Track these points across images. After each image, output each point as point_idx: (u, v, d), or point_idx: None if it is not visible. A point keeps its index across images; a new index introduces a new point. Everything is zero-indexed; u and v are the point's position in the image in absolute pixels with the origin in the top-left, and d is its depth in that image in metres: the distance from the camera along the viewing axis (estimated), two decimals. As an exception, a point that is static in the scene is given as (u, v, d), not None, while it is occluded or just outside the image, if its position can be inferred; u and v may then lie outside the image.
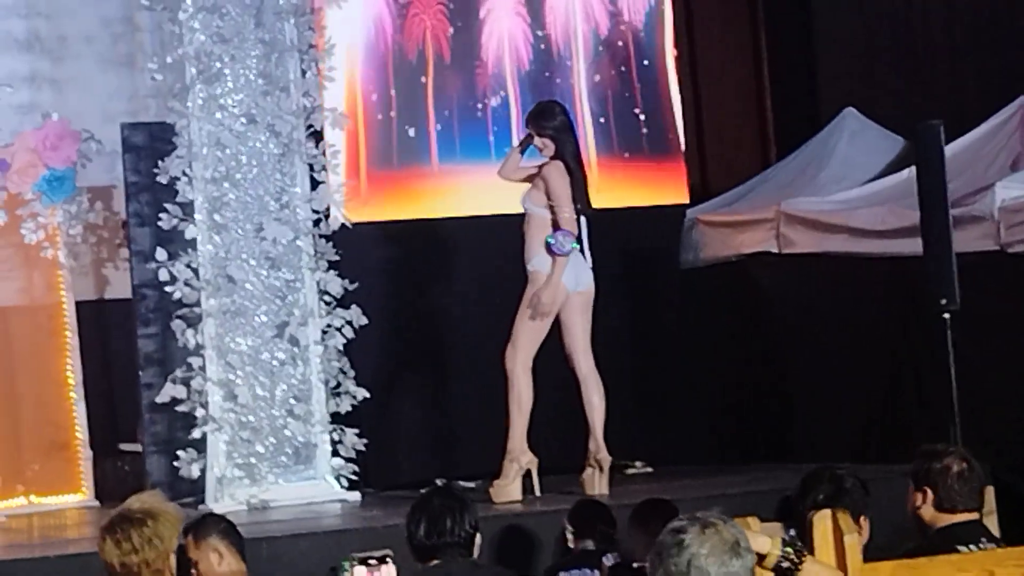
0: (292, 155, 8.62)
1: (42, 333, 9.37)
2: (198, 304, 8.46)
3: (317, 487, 8.52)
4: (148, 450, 8.86)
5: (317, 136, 8.70)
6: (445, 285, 9.87)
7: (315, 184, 8.67)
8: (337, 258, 8.65)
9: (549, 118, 8.14)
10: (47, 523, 8.77)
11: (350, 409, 8.60)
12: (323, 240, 8.63)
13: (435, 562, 5.56)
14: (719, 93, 11.02)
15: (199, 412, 8.41)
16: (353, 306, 8.59)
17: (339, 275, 8.61)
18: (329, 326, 8.58)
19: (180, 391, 8.44)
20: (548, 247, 7.93)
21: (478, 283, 9.83)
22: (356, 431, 8.57)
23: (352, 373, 8.62)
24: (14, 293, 9.36)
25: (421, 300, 9.86)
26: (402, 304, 9.75)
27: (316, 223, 8.64)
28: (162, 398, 8.49)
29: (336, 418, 8.58)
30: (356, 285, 8.60)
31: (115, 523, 4.74)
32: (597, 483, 8.01)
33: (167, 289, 8.48)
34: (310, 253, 8.60)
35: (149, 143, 8.88)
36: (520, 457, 8.10)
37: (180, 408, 8.46)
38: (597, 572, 6.17)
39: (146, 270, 8.67)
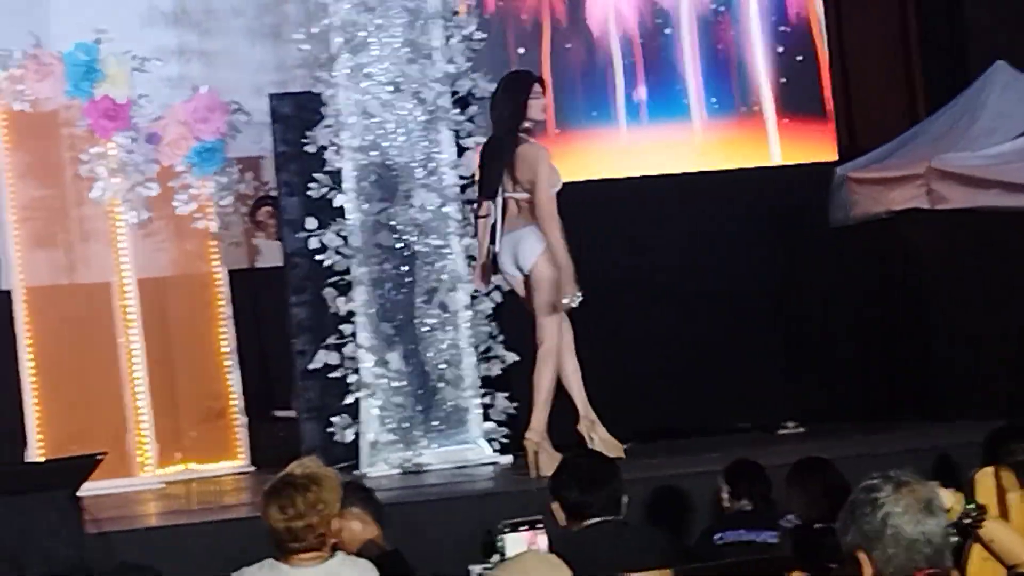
0: (438, 122, 8.66)
1: (196, 303, 9.50)
2: (348, 272, 8.55)
3: (469, 451, 8.57)
4: (302, 416, 8.96)
5: (463, 102, 8.73)
6: (588, 249, 9.84)
7: (461, 150, 8.71)
8: (485, 223, 8.68)
9: (518, 89, 8.08)
10: (205, 489, 8.91)
11: (500, 373, 8.65)
12: (470, 206, 8.67)
13: (588, 522, 5.58)
14: (866, 48, 10.87)
15: (352, 378, 8.50)
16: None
17: (488, 240, 8.65)
18: (477, 291, 8.62)
19: (333, 357, 8.54)
20: None
21: (617, 247, 9.79)
22: (506, 395, 8.62)
23: (501, 337, 8.66)
24: (168, 264, 9.50)
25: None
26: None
27: (463, 189, 8.68)
28: (315, 365, 8.59)
29: (487, 382, 8.63)
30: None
31: (279, 488, 4.80)
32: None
33: (318, 257, 8.57)
34: (457, 219, 8.65)
35: (297, 113, 8.95)
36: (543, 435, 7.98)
37: (333, 374, 8.55)
38: (756, 533, 6.14)
39: (296, 239, 8.76)
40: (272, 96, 9.20)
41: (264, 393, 9.74)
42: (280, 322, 9.32)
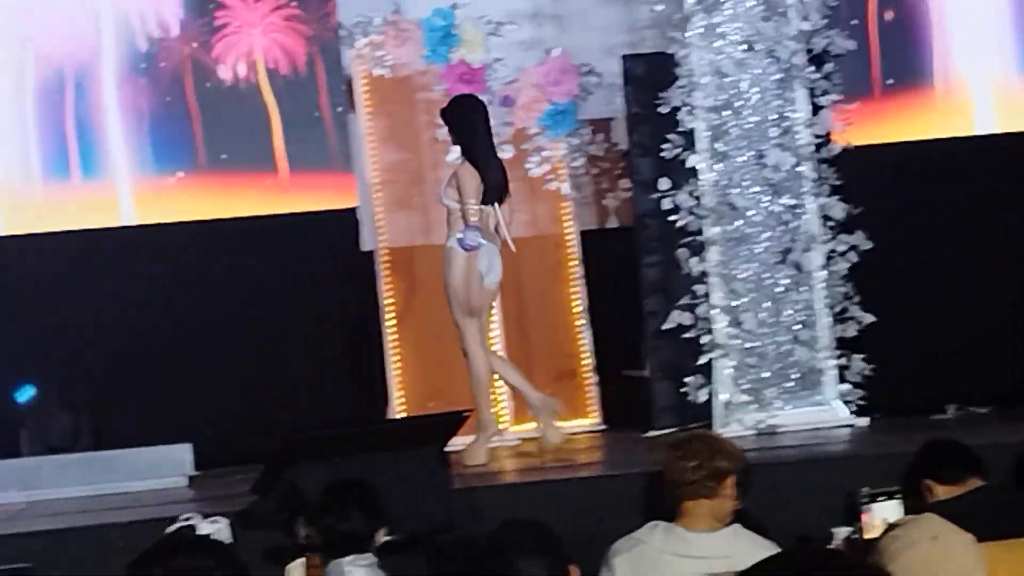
0: (792, 80, 8.58)
1: (549, 263, 9.62)
2: (701, 232, 8.55)
3: (824, 412, 8.50)
4: (655, 376, 8.99)
5: (818, 60, 8.62)
6: (947, 207, 9.61)
7: (816, 109, 8.61)
8: (839, 182, 8.58)
9: (454, 111, 8.41)
10: (559, 447, 9.00)
11: (856, 334, 8.54)
12: (825, 165, 8.57)
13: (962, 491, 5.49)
14: None
15: (705, 338, 8.51)
16: (857, 231, 8.51)
17: (842, 199, 8.54)
18: (833, 251, 8.53)
19: (686, 318, 8.55)
20: (459, 242, 8.16)
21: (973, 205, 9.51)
22: (862, 356, 8.51)
23: (857, 298, 8.55)
24: (521, 225, 9.59)
25: (922, 223, 9.61)
26: (904, 227, 9.53)
27: (818, 148, 8.58)
28: (668, 325, 8.62)
29: (842, 343, 8.53)
30: (860, 209, 8.51)
31: (683, 443, 4.96)
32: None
33: (670, 218, 8.59)
34: (812, 178, 8.56)
35: (649, 74, 8.97)
36: (488, 427, 8.33)
37: (686, 335, 8.57)
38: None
39: (648, 199, 8.79)
40: (625, 57, 9.23)
41: (614, 353, 9.79)
42: (630, 283, 9.37)
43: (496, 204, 8.35)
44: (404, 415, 9.12)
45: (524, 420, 9.39)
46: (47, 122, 9.62)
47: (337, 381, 9.30)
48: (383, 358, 9.22)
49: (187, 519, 3.95)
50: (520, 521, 4.28)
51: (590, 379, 9.52)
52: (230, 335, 9.52)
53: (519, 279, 9.53)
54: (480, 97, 8.81)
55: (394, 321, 9.28)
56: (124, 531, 6.77)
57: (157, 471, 8.21)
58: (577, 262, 9.59)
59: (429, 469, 6.59)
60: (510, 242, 8.41)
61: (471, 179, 8.21)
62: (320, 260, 9.48)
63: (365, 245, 9.53)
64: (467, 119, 8.37)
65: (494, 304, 8.77)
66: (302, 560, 5.11)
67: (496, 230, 8.37)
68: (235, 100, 9.68)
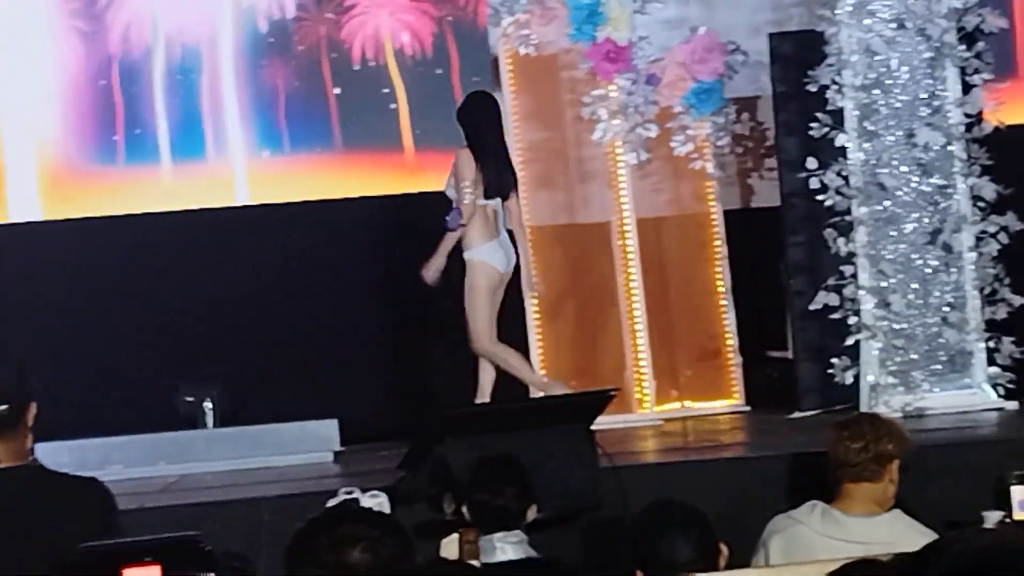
0: (943, 59, 8.47)
1: (692, 242, 9.58)
2: (848, 212, 8.47)
3: (973, 395, 8.40)
4: (799, 357, 8.93)
5: (969, 38, 8.50)
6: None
7: (967, 87, 8.49)
8: (990, 162, 8.46)
9: (464, 108, 8.53)
10: (701, 427, 8.98)
11: (1006, 316, 8.42)
12: (976, 145, 8.45)
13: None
14: None
15: (852, 319, 8.43)
16: (1008, 212, 8.39)
17: (993, 180, 8.42)
18: (983, 232, 8.41)
19: (832, 299, 8.48)
20: (444, 223, 8.26)
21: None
22: (1013, 339, 8.39)
23: (1008, 280, 8.43)
24: (664, 204, 9.60)
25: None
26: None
27: (968, 127, 8.47)
28: (814, 305, 8.55)
29: (992, 326, 8.42)
30: (1011, 190, 8.39)
31: (850, 423, 4.98)
32: None
33: (817, 198, 8.52)
34: (962, 158, 8.45)
35: (796, 52, 8.89)
36: (549, 387, 8.42)
37: (832, 316, 8.50)
38: None
39: (795, 179, 8.72)
40: (772, 36, 9.16)
41: (757, 333, 9.74)
42: (774, 263, 9.31)
43: (501, 201, 8.43)
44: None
45: (667, 400, 9.38)
46: (175, 103, 9.75)
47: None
48: (526, 336, 9.24)
49: (349, 492, 4.00)
50: (668, 500, 4.29)
51: (733, 360, 9.47)
52: (370, 312, 9.60)
53: (662, 258, 9.50)
54: (628, 76, 8.81)
55: (537, 299, 9.29)
56: (273, 505, 6.86)
57: (303, 446, 8.30)
58: (721, 242, 9.53)
59: (576, 447, 6.59)
60: (520, 238, 8.50)
61: (467, 164, 8.29)
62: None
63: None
64: (474, 115, 8.50)
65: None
66: (456, 536, 5.14)
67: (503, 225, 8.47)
68: (364, 81, 9.73)
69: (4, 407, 3.92)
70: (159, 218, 9.68)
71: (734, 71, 9.47)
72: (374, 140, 9.81)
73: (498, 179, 8.43)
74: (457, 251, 8.44)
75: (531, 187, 9.39)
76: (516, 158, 9.36)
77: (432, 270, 8.38)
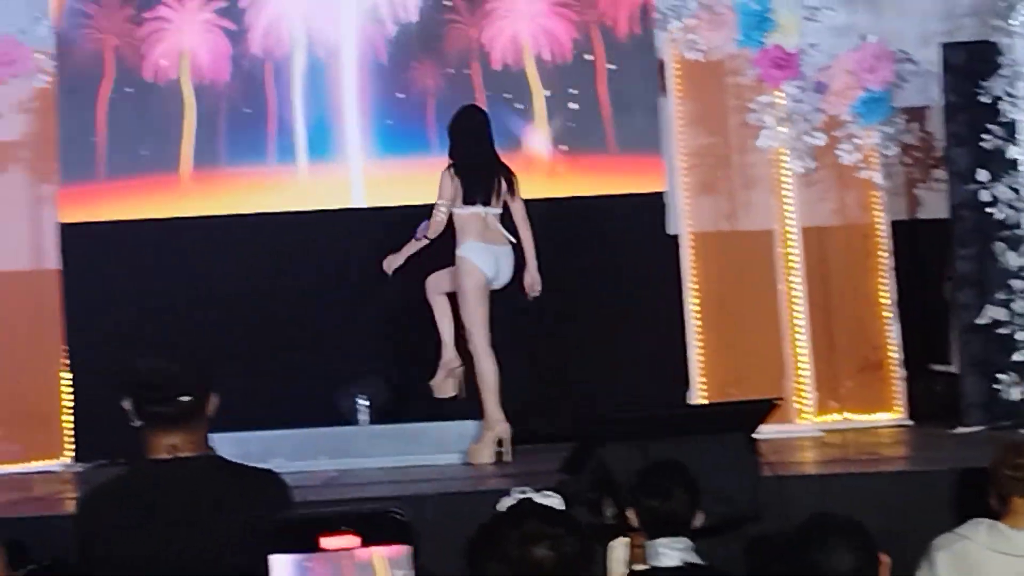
0: (1121, 71, 8.33)
1: (857, 253, 9.47)
2: (1018, 225, 8.35)
3: None
4: (964, 371, 8.80)
5: None
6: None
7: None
8: None
9: (452, 122, 8.49)
10: (862, 440, 8.88)
11: None
12: None
13: None
14: None
15: (1019, 335, 8.30)
16: None
17: None
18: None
19: (1000, 313, 8.35)
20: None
21: None
22: None
23: None
24: (829, 214, 9.51)
25: None
26: None
27: None
28: (981, 320, 8.43)
29: None
30: None
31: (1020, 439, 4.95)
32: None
33: (987, 210, 8.39)
34: None
35: (969, 63, 8.77)
36: (495, 426, 8.25)
37: (999, 331, 8.36)
38: None
39: (964, 191, 8.61)
40: (944, 45, 9.05)
41: (922, 346, 9.62)
42: (941, 275, 9.19)
43: (490, 204, 8.32)
44: (705, 400, 9.09)
45: (827, 412, 9.29)
46: (312, 104, 9.83)
47: (638, 363, 9.31)
48: (685, 342, 9.20)
49: (522, 491, 4.02)
50: (830, 514, 4.25)
51: (896, 372, 9.35)
52: (530, 313, 9.60)
53: (826, 267, 9.42)
54: (796, 83, 8.74)
55: (698, 306, 9.26)
56: (435, 503, 6.89)
57: (463, 445, 8.33)
58: (887, 253, 9.43)
59: (739, 455, 6.54)
60: (525, 242, 8.39)
61: (444, 182, 8.29)
62: (623, 242, 9.48)
63: (670, 228, 9.52)
64: (457, 127, 8.47)
65: None
66: (625, 540, 5.13)
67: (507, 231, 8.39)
68: (505, 85, 9.71)
69: (187, 398, 3.98)
70: (336, 215, 9.74)
71: (904, 80, 9.37)
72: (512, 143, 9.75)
73: (480, 187, 8.35)
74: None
75: (693, 192, 9.36)
76: (679, 163, 9.33)
77: (389, 266, 8.45)
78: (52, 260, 9.66)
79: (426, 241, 8.31)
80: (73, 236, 9.62)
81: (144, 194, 9.72)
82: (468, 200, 8.28)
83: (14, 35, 9.63)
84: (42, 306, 9.63)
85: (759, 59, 9.16)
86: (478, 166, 8.38)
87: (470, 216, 8.28)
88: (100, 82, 9.74)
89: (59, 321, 9.53)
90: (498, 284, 8.33)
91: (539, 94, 9.67)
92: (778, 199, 9.26)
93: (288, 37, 9.80)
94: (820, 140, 9.12)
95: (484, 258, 8.30)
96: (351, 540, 3.15)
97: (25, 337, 9.62)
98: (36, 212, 9.75)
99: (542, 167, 9.63)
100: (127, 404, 3.98)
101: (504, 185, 8.35)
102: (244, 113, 9.79)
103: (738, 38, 9.21)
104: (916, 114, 9.71)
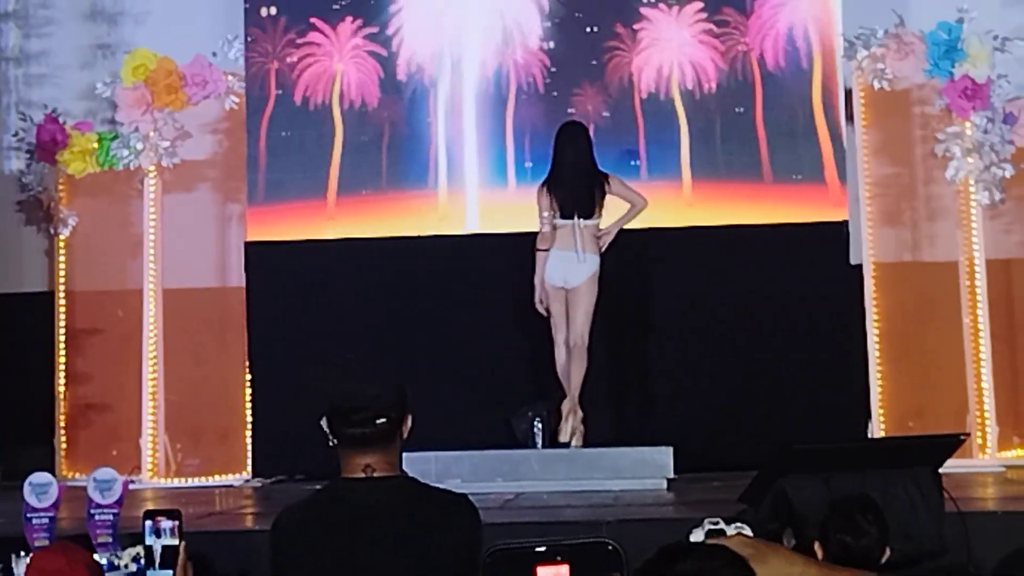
0: None
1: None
2: None
3: None
4: None
5: None
6: None
7: None
8: None
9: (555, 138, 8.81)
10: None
11: None
12: None
13: None
14: None
15: None
16: None
17: None
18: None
19: None
20: None
21: None
22: None
23: None
24: (1015, 246, 9.39)
25: None
26: None
27: None
28: None
29: None
30: None
31: None
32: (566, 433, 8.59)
33: None
34: None
35: None
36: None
37: None
38: None
39: None
40: None
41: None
42: None
43: (580, 219, 8.58)
44: (883, 433, 8.98)
45: (1009, 447, 9.14)
46: (487, 130, 9.88)
47: (817, 393, 9.21)
48: (866, 373, 9.10)
49: (714, 523, 3.99)
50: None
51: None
52: (710, 341, 9.56)
53: (1010, 302, 9.28)
54: (985, 113, 8.63)
55: (879, 337, 9.16)
56: (612, 529, 6.87)
57: (638, 472, 8.32)
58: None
59: (924, 490, 6.43)
60: (581, 254, 8.57)
61: (540, 196, 8.67)
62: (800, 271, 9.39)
63: (853, 258, 9.41)
64: (555, 144, 8.76)
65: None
66: (813, 573, 5.06)
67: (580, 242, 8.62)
68: (650, 112, 9.68)
69: (383, 420, 4.02)
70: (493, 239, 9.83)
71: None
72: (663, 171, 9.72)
73: (569, 200, 8.61)
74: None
75: (877, 222, 9.27)
76: (863, 193, 9.24)
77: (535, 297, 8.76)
78: (236, 278, 9.81)
79: (543, 252, 8.65)
80: (257, 254, 9.77)
81: (315, 214, 9.85)
82: (564, 214, 8.60)
83: (207, 57, 9.81)
84: (226, 323, 9.78)
85: (947, 89, 9.05)
86: (567, 180, 8.65)
87: (563, 229, 8.60)
88: (265, 104, 9.89)
89: (242, 338, 9.67)
90: (553, 284, 8.68)
91: (684, 122, 9.64)
92: (964, 231, 9.14)
93: (435, 63, 9.87)
94: (1008, 171, 8.98)
95: (550, 268, 8.68)
96: (560, 569, 3.18)
97: (211, 353, 9.78)
98: (223, 230, 9.92)
99: (696, 195, 9.63)
100: (324, 424, 4.03)
101: (598, 194, 8.63)
102: (410, 136, 9.91)
103: (926, 67, 9.11)
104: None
